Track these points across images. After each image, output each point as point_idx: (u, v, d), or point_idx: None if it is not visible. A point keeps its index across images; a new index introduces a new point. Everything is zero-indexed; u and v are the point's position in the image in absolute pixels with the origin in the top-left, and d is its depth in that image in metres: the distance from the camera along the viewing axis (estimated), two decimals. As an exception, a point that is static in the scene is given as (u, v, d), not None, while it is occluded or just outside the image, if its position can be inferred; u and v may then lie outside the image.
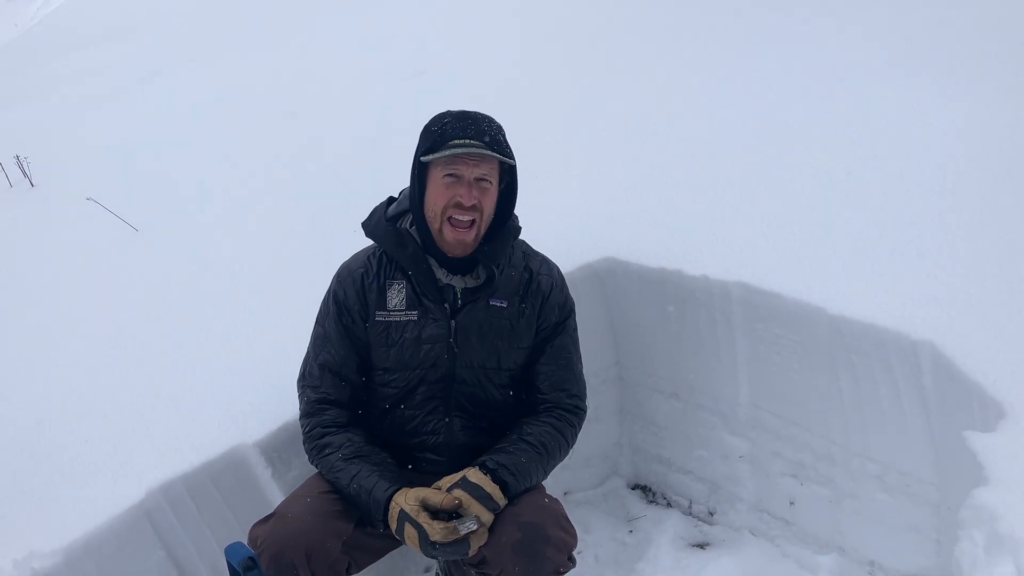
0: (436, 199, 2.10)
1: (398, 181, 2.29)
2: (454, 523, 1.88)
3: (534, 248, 2.37)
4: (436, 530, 1.88)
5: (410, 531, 1.90)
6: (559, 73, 4.68)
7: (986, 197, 2.62)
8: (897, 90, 3.38)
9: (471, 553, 1.92)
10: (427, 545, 1.89)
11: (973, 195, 2.64)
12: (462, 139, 2.06)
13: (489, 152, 2.06)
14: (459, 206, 2.08)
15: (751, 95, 3.71)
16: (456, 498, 1.93)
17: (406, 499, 1.93)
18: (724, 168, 3.19)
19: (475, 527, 1.89)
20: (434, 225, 2.13)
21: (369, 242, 2.27)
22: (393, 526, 1.94)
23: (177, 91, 6.37)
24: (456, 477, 2.00)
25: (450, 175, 2.07)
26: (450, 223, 2.10)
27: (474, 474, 1.99)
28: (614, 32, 5.08)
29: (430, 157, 2.08)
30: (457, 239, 2.11)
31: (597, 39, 5.06)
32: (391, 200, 2.29)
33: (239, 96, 5.84)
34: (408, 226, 2.19)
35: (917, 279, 2.37)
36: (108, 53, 8.42)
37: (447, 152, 2.05)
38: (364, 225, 2.25)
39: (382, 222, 2.21)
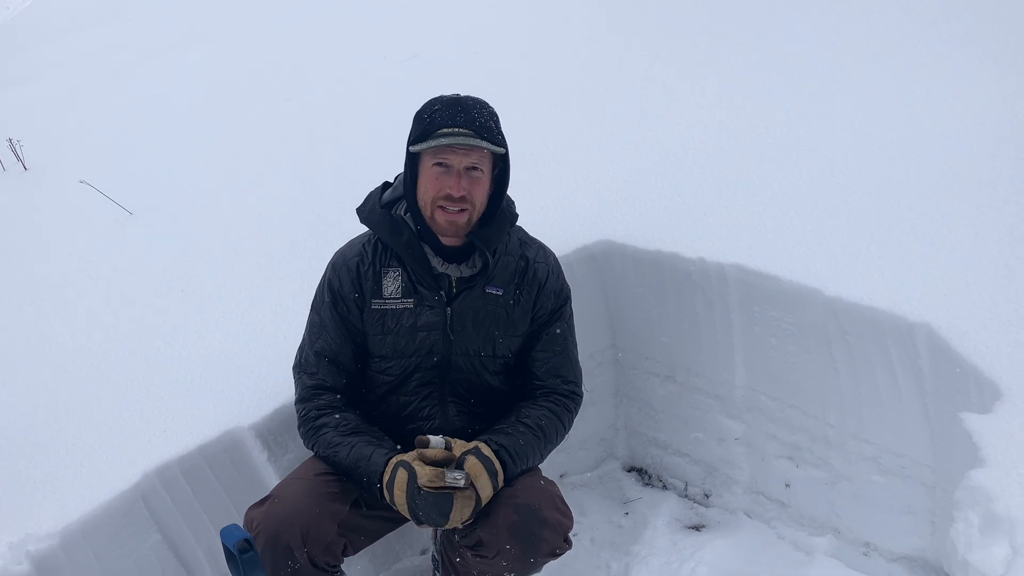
0: (426, 189, 2.08)
1: (393, 165, 2.28)
2: (443, 470, 1.91)
3: (530, 234, 2.36)
4: (425, 472, 1.90)
5: (401, 474, 1.92)
6: (556, 57, 4.65)
7: (984, 181, 2.61)
8: (896, 76, 3.36)
9: (450, 524, 1.92)
10: (413, 491, 1.90)
11: (971, 178, 2.64)
12: (451, 127, 2.02)
13: (478, 142, 2.02)
14: (449, 197, 2.05)
15: (750, 80, 3.69)
16: (450, 454, 1.96)
17: (404, 455, 1.96)
18: (721, 151, 3.18)
19: (462, 481, 1.90)
20: (426, 212, 2.11)
21: (363, 227, 2.25)
22: (387, 477, 1.94)
23: (171, 74, 6.33)
24: (469, 446, 2.01)
25: (440, 164, 2.04)
26: (441, 208, 2.08)
27: (486, 448, 2.00)
28: (614, 16, 5.04)
29: (419, 147, 2.05)
30: (448, 220, 2.08)
31: (597, 22, 5.03)
32: (386, 185, 2.26)
33: (233, 79, 5.81)
34: (403, 213, 2.17)
35: (914, 261, 2.36)
36: (102, 35, 8.36)
37: (434, 143, 2.01)
38: (359, 211, 2.23)
39: (376, 209, 2.19)
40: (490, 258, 2.16)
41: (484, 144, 2.03)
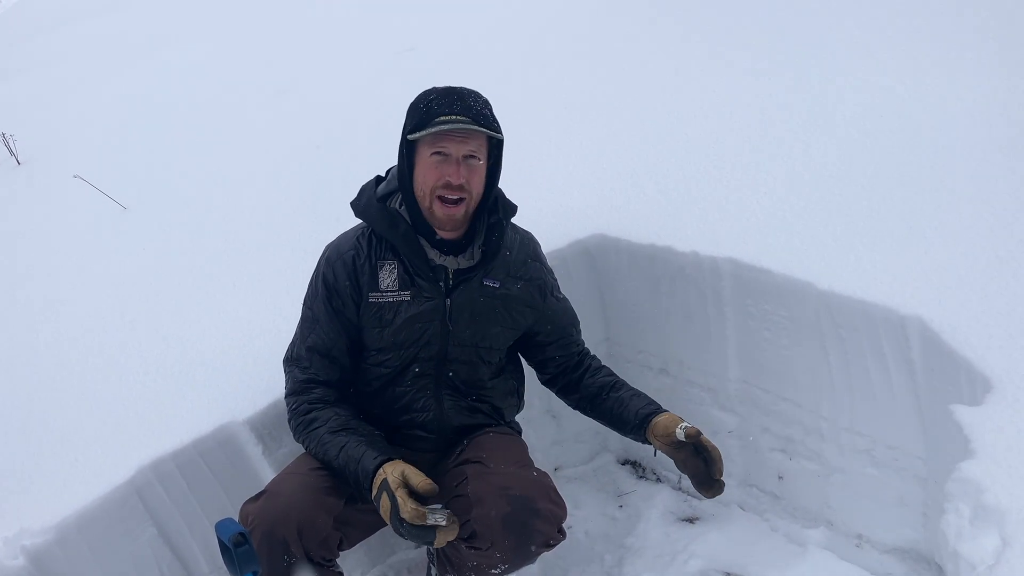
0: (425, 178, 2.08)
1: (387, 158, 2.28)
2: (426, 509, 1.84)
3: (517, 225, 2.37)
4: (407, 508, 1.83)
5: (385, 501, 1.87)
6: (551, 51, 4.65)
7: (977, 173, 2.62)
8: (889, 67, 3.36)
9: (436, 546, 1.88)
10: (396, 520, 1.85)
11: (963, 171, 2.64)
12: (448, 115, 2.02)
13: (476, 127, 2.03)
14: (448, 185, 2.05)
15: (742, 72, 3.69)
16: (434, 487, 1.88)
17: (392, 470, 1.90)
18: (714, 145, 3.18)
19: (443, 521, 1.85)
20: (424, 203, 2.11)
21: (356, 221, 2.25)
22: (373, 492, 1.92)
23: (165, 67, 6.32)
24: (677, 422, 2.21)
25: (438, 153, 2.05)
26: (440, 200, 2.08)
27: (670, 418, 2.24)
28: (610, 12, 5.04)
29: (417, 135, 2.04)
30: (447, 215, 2.09)
31: (592, 17, 5.02)
32: (379, 179, 2.26)
33: (228, 72, 5.80)
34: (398, 205, 2.17)
35: (906, 254, 2.37)
36: (95, 29, 8.33)
37: (433, 129, 2.01)
38: (353, 205, 2.23)
39: (372, 202, 2.18)
40: (502, 251, 2.20)
41: (483, 130, 2.03)
